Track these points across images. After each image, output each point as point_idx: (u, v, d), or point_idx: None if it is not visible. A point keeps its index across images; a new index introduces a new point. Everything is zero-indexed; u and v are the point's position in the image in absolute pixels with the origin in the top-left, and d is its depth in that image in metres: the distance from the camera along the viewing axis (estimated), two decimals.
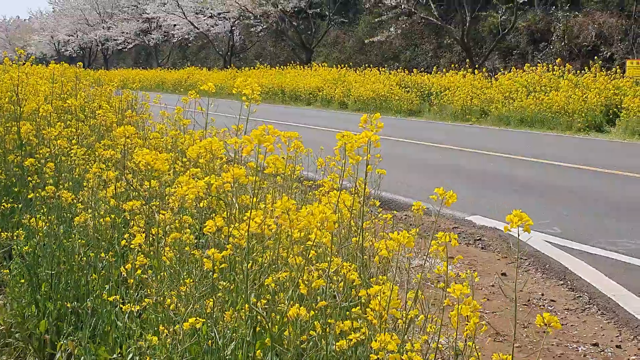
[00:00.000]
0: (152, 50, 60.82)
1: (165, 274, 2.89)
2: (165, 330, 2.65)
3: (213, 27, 49.11)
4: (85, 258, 3.88)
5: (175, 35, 52.81)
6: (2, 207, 5.25)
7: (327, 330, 2.43)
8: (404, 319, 2.47)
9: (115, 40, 61.38)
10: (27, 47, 75.71)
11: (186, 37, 52.33)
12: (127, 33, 59.63)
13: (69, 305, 3.81)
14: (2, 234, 4.81)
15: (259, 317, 2.48)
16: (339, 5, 41.92)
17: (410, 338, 2.63)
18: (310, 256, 2.39)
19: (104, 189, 3.96)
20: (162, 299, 2.78)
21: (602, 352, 4.71)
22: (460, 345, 2.47)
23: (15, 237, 4.57)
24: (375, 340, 2.11)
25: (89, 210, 3.82)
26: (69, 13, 68.39)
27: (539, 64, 23.38)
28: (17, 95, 5.86)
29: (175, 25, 51.68)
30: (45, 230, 4.14)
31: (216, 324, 2.58)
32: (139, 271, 2.96)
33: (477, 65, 26.98)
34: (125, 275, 3.02)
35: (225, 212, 2.73)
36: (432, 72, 27.09)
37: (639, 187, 10.15)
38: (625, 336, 4.95)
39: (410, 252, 5.93)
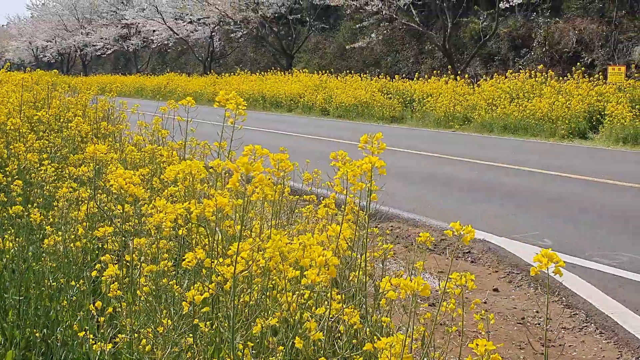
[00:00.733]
0: (131, 56, 60.32)
1: (140, 307, 2.63)
2: None
3: (193, 32, 48.74)
4: (55, 283, 3.60)
5: (155, 41, 52.34)
6: None
7: None
8: None
9: (94, 46, 60.81)
10: (5, 54, 75.01)
11: (165, 42, 51.87)
12: (106, 39, 59.08)
13: (38, 334, 3.52)
14: None
15: None
16: (320, 11, 41.65)
17: None
18: (306, 296, 2.14)
19: (75, 210, 3.67)
20: (136, 336, 2.52)
21: None
22: None
23: None
24: None
25: (59, 233, 3.54)
26: (47, 19, 67.69)
27: (521, 71, 23.25)
28: None
29: (154, 31, 51.22)
30: (13, 252, 3.85)
31: None
32: (110, 309, 2.68)
33: (459, 72, 26.85)
34: (95, 313, 2.73)
35: (206, 239, 2.47)
36: (414, 79, 26.91)
37: (629, 196, 10.00)
38: (627, 357, 4.74)
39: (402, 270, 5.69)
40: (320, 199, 3.42)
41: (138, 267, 2.61)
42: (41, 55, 71.42)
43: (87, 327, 3.22)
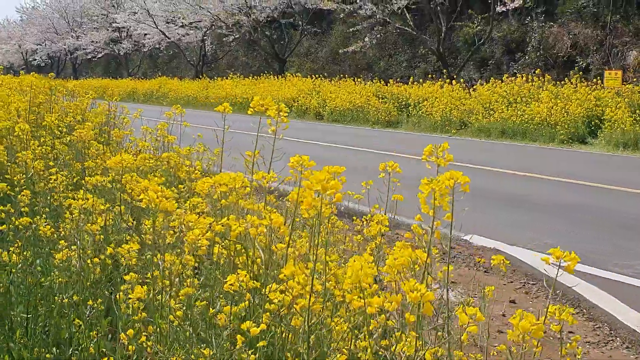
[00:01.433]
0: (122, 59, 59.95)
1: (168, 331, 2.39)
2: None
3: (184, 36, 48.40)
4: (67, 300, 3.37)
5: (146, 45, 52.01)
6: None
7: None
8: None
9: (85, 49, 60.39)
10: None
11: (157, 46, 51.56)
12: (96, 42, 58.68)
13: (48, 356, 3.29)
14: None
15: None
16: (312, 15, 41.46)
17: None
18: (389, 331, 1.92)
19: (90, 222, 3.44)
20: None
21: None
22: None
23: None
24: None
25: (73, 247, 3.30)
26: (37, 22, 67.26)
27: (518, 75, 23.10)
28: None
29: (146, 34, 50.89)
30: (20, 266, 3.62)
31: None
32: (142, 337, 2.45)
33: (454, 76, 26.72)
34: (127, 342, 2.49)
35: (244, 258, 2.25)
36: (409, 83, 26.74)
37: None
38: None
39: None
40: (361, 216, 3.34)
41: (168, 289, 2.39)
42: (31, 59, 70.95)
43: (104, 349, 3.00)
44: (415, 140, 19.14)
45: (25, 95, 8.84)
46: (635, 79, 20.73)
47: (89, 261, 3.21)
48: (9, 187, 4.30)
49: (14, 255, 3.68)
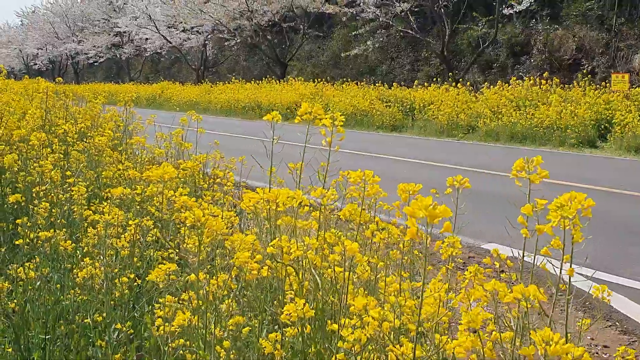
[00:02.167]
0: (124, 64, 59.79)
1: None
2: None
3: (186, 41, 48.24)
4: (88, 320, 3.15)
5: (148, 49, 51.84)
6: None
7: None
8: None
9: (86, 54, 60.22)
10: None
11: (159, 51, 51.38)
12: (98, 47, 58.51)
13: None
14: None
15: None
16: (314, 19, 41.28)
17: None
18: None
19: (115, 238, 3.22)
20: None
21: None
22: None
23: None
24: None
25: (97, 265, 3.08)
26: (37, 26, 67.11)
27: (525, 78, 22.89)
28: None
29: (147, 39, 50.73)
30: (37, 283, 3.41)
31: None
32: None
33: (459, 79, 26.52)
34: None
35: (296, 285, 2.04)
36: (414, 86, 26.52)
37: None
38: None
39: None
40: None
41: (209, 314, 2.18)
42: (32, 63, 70.81)
43: None
44: (422, 144, 18.95)
45: (32, 101, 8.65)
46: None
47: (116, 280, 3.00)
48: (22, 197, 4.10)
49: (31, 271, 3.47)
